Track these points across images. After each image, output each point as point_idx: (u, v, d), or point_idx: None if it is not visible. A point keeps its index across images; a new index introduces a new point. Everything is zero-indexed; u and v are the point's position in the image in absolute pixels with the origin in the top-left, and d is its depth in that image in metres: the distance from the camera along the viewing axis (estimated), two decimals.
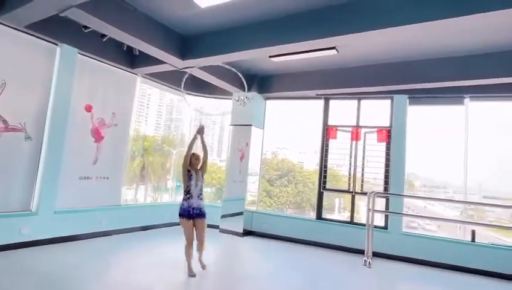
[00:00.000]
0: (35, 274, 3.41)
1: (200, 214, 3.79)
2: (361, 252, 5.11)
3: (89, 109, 5.20)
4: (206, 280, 3.76)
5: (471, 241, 4.98)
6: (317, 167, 6.24)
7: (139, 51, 5.07)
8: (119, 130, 5.72)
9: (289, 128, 7.15)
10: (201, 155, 4.07)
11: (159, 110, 7.97)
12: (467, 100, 5.27)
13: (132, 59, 5.73)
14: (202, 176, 3.96)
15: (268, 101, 6.98)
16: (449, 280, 4.52)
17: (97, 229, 5.23)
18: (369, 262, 4.79)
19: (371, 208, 4.97)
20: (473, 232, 4.97)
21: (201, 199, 3.87)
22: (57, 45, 4.66)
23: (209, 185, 9.04)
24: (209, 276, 3.90)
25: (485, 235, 5.34)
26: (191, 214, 3.74)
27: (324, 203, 6.15)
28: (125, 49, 5.22)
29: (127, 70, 5.80)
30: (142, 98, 8.31)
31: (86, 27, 4.35)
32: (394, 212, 5.30)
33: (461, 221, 5.27)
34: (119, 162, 5.78)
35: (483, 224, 5.22)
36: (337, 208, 7.03)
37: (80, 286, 3.25)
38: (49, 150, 4.52)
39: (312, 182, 6.72)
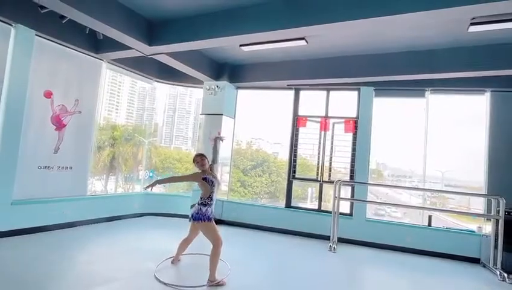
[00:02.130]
0: None
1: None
2: (327, 238, 5.30)
3: (48, 95, 4.92)
4: (173, 268, 3.76)
5: (428, 225, 5.32)
6: (300, 158, 6.31)
7: (103, 35, 4.83)
8: (83, 117, 5.48)
9: (263, 118, 7.17)
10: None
11: (130, 99, 7.71)
12: (427, 93, 5.54)
13: (96, 43, 5.46)
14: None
15: (240, 91, 6.94)
16: (406, 261, 4.82)
17: (60, 220, 5.04)
18: (334, 247, 4.99)
19: (336, 195, 5.15)
20: (430, 218, 5.31)
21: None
22: (11, 25, 4.34)
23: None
24: (176, 263, 3.90)
25: (446, 221, 5.71)
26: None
27: (298, 192, 6.29)
28: (87, 32, 4.94)
29: (91, 55, 5.52)
30: (112, 85, 7.97)
31: (42, 7, 4.06)
32: (358, 200, 5.52)
33: (420, 207, 5.58)
34: (83, 152, 5.55)
35: (439, 209, 5.60)
36: (309, 197, 7.21)
37: (38, 278, 3.13)
38: (4, 138, 4.26)
39: (286, 172, 6.81)
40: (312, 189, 7.12)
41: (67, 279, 3.24)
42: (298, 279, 3.73)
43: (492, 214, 4.73)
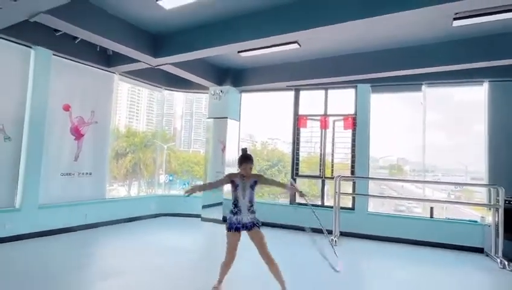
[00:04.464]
0: (20, 266, 3.69)
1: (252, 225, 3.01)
2: (330, 232, 5.47)
3: (67, 108, 5.41)
4: (186, 261, 4.09)
5: (430, 217, 5.40)
6: (309, 156, 6.58)
7: (113, 51, 5.27)
8: (99, 127, 5.94)
9: (275, 119, 7.34)
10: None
11: (149, 106, 8.13)
12: (424, 86, 5.61)
13: (107, 58, 5.92)
14: (254, 185, 3.01)
15: (244, 94, 7.23)
16: (409, 253, 4.93)
17: (82, 222, 5.50)
18: (335, 241, 5.17)
19: (337, 191, 5.33)
20: (431, 209, 5.38)
21: (253, 211, 3.03)
22: (31, 47, 4.83)
23: (202, 179, 9.33)
24: (190, 256, 4.24)
25: (468, 214, 5.70)
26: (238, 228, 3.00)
27: (315, 191, 6.50)
28: (98, 49, 5.42)
29: (103, 69, 5.98)
30: (132, 95, 8.49)
31: (56, 30, 4.54)
32: (358, 194, 5.69)
33: (422, 199, 5.67)
34: (101, 158, 6.01)
35: (442, 201, 5.63)
36: (326, 195, 7.35)
37: (61, 271, 3.54)
38: (29, 149, 4.74)
39: (301, 171, 6.92)
40: (327, 186, 7.24)
41: (86, 272, 3.63)
42: (295, 270, 3.96)
43: (492, 203, 4.76)
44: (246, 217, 2.96)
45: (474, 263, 4.54)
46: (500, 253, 4.46)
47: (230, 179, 3.01)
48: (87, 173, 5.76)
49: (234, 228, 2.96)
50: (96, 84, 5.91)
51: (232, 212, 3.00)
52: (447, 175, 5.85)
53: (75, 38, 4.87)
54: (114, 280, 3.39)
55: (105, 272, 3.63)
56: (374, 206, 6.22)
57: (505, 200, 4.56)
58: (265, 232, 5.93)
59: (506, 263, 4.29)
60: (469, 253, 4.99)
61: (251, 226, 2.98)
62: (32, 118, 4.79)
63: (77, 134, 5.61)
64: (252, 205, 2.98)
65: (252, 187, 2.98)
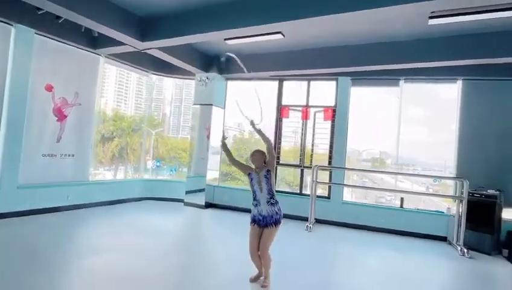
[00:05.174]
0: None
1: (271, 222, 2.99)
2: (307, 219, 5.72)
3: (49, 88, 5.37)
4: (166, 242, 4.24)
5: (400, 207, 5.69)
6: (294, 146, 6.72)
7: (98, 32, 5.22)
8: (83, 109, 5.91)
9: (260, 108, 7.37)
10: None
11: (138, 90, 8.06)
12: (401, 82, 5.83)
13: (93, 40, 5.85)
14: (268, 175, 3.02)
15: (232, 82, 7.29)
16: (378, 240, 5.21)
17: (64, 203, 5.54)
18: (310, 227, 5.41)
19: (314, 179, 5.54)
20: (402, 199, 5.68)
21: (272, 203, 3.00)
22: (11, 25, 4.75)
23: (187, 164, 9.39)
24: (169, 238, 4.38)
25: (440, 205, 5.96)
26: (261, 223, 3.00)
27: (296, 181, 6.71)
28: (83, 30, 5.36)
29: (88, 51, 5.92)
30: (120, 77, 8.37)
31: (39, 8, 4.47)
32: (334, 183, 5.92)
33: (393, 190, 5.97)
34: (84, 140, 6.01)
35: (412, 192, 5.93)
36: (309, 184, 7.57)
37: (43, 249, 3.61)
38: (8, 129, 4.71)
39: (287, 160, 7.00)
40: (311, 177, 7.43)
41: (64, 251, 3.65)
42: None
43: (457, 195, 5.07)
44: (265, 209, 2.98)
45: (437, 250, 4.86)
46: (461, 241, 4.77)
47: (248, 171, 3.11)
48: (69, 155, 5.77)
49: (256, 222, 3.02)
50: (80, 66, 5.85)
51: (253, 204, 3.06)
52: (427, 169, 6.12)
53: (59, 17, 4.81)
54: (99, 257, 3.50)
55: (82, 251, 3.72)
56: (356, 198, 6.48)
57: (469, 193, 4.86)
58: (244, 217, 6.15)
59: (465, 250, 4.61)
60: (434, 241, 5.32)
61: (269, 223, 2.99)
62: (12, 97, 4.74)
63: (60, 115, 5.59)
64: (271, 197, 2.99)
65: (267, 177, 3.00)
